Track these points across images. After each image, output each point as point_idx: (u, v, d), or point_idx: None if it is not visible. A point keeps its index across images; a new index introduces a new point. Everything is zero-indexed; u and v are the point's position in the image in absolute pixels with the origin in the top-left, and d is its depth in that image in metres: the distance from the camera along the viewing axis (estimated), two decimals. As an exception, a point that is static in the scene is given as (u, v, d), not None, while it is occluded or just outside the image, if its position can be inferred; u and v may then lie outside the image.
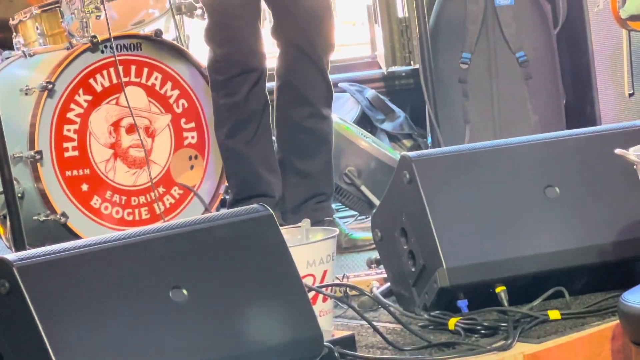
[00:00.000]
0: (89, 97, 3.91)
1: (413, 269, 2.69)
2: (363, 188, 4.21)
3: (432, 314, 2.48)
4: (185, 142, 4.06)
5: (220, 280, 2.14)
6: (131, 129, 3.90)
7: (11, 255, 1.87)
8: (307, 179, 4.00)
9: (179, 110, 4.05)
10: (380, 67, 5.86)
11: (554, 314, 2.53)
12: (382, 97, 5.41)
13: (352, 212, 4.46)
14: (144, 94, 3.95)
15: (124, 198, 3.97)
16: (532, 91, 4.99)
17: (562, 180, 2.73)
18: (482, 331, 2.37)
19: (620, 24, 4.39)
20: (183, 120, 4.05)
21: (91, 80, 3.92)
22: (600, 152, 2.66)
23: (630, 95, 4.58)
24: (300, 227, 2.78)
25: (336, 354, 2.27)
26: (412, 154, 2.78)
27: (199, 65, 4.11)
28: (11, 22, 4.51)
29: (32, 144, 3.81)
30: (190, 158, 4.06)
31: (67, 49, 3.99)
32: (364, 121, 5.17)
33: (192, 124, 4.08)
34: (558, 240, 2.65)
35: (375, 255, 3.18)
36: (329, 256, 2.59)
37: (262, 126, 3.93)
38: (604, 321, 2.50)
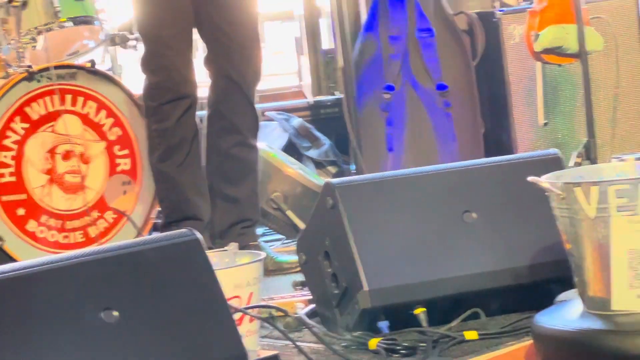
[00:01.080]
0: (26, 125, 3.99)
1: (336, 291, 2.76)
2: (289, 213, 4.28)
3: (354, 334, 2.55)
4: (119, 168, 4.10)
5: (149, 302, 2.16)
6: (67, 155, 3.98)
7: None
8: (234, 205, 4.08)
9: (113, 138, 4.12)
10: (306, 97, 6.05)
11: (471, 335, 2.61)
12: (308, 125, 5.48)
13: (279, 236, 4.48)
14: (80, 121, 4.04)
15: (59, 222, 4.01)
16: (452, 120, 5.16)
17: (479, 206, 2.83)
18: (402, 351, 2.45)
19: (534, 56, 4.61)
20: (117, 147, 4.11)
21: (27, 109, 4.00)
22: (516, 179, 2.74)
23: (545, 124, 4.84)
24: (227, 250, 2.85)
25: None
26: (334, 180, 2.98)
27: (132, 94, 4.18)
28: None
29: None
30: (123, 183, 4.12)
31: (4, 77, 4.10)
32: (291, 149, 5.22)
33: (126, 151, 4.15)
34: (475, 264, 2.77)
35: (300, 277, 3.27)
36: (255, 279, 2.67)
37: (192, 152, 4.01)
38: (519, 341, 2.60)
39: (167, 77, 3.92)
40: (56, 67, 4.08)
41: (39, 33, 4.27)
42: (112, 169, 4.13)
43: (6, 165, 3.98)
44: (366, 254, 2.69)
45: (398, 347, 2.52)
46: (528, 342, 2.54)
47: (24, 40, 4.26)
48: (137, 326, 2.11)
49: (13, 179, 3.97)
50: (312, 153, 5.27)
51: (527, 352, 2.62)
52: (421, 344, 2.52)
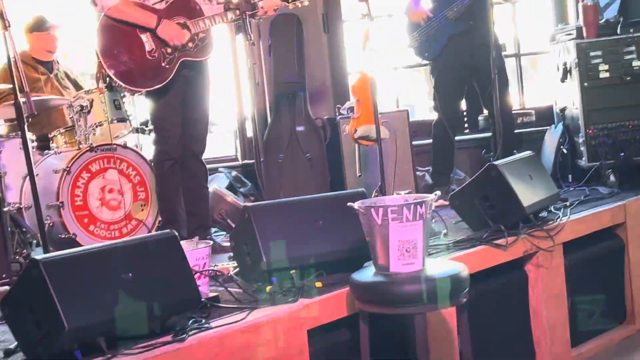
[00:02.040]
0: (89, 175, 5.23)
1: (249, 262, 3.88)
2: (229, 221, 5.39)
3: (258, 284, 3.68)
4: (139, 197, 5.40)
5: (149, 268, 3.22)
6: (111, 190, 5.28)
7: (40, 256, 2.90)
8: (197, 217, 5.19)
9: (136, 181, 5.39)
10: (239, 160, 7.13)
11: (319, 284, 3.64)
12: (240, 175, 6.62)
13: (222, 233, 5.60)
14: (117, 173, 5.27)
15: (106, 226, 5.28)
16: (313, 177, 6.48)
17: (326, 217, 3.93)
18: (282, 292, 3.51)
19: (354, 141, 5.71)
20: (138, 186, 5.39)
21: (90, 166, 5.24)
22: (344, 203, 3.54)
23: (359, 176, 6.02)
24: (192, 241, 3.97)
25: (207, 304, 3.45)
26: (249, 204, 4.11)
27: (147, 159, 5.44)
28: (50, 135, 5.84)
29: (57, 198, 5.07)
30: (141, 205, 5.42)
31: (77, 150, 5.30)
32: (231, 187, 6.33)
33: (143, 188, 5.43)
34: (323, 248, 3.84)
35: (231, 254, 4.40)
36: (207, 255, 3.69)
37: (178, 188, 5.11)
38: (343, 288, 3.61)
39: (166, 149, 4.97)
40: (106, 145, 5.31)
41: (97, 126, 5.47)
42: (135, 198, 5.38)
43: (77, 196, 5.17)
44: (266, 244, 3.71)
45: (281, 290, 3.58)
46: (347, 288, 3.57)
47: (89, 130, 5.44)
48: (142, 281, 3.12)
49: (82, 203, 5.17)
50: (242, 190, 6.34)
51: (347, 294, 3.60)
52: (293, 289, 3.56)
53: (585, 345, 4.79)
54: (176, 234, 3.41)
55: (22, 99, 3.89)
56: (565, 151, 5.99)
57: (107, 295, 2.96)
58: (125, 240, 3.57)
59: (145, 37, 4.71)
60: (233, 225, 4.73)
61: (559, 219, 4.77)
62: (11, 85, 4.02)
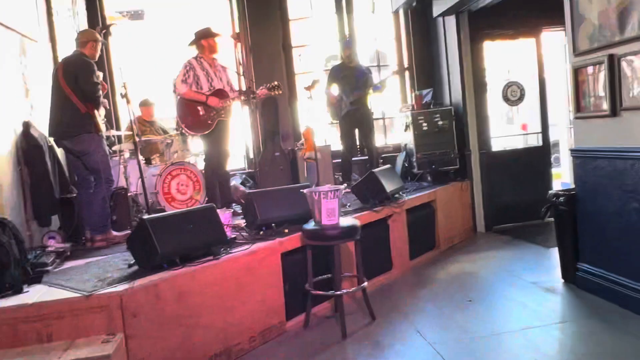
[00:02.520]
0: (171, 177, 4.87)
1: (252, 220, 3.63)
2: (242, 200, 4.68)
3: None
4: (195, 188, 4.94)
5: (202, 223, 3.07)
6: (181, 184, 4.92)
7: (146, 217, 2.93)
8: (224, 198, 4.76)
9: (194, 180, 4.95)
10: (246, 169, 6.36)
11: (286, 231, 3.51)
12: (247, 177, 5.98)
13: (239, 206, 4.85)
14: (185, 176, 4.91)
15: (179, 203, 4.87)
16: (284, 178, 5.75)
17: (291, 197, 3.68)
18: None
19: (304, 160, 5.58)
20: (195, 182, 4.95)
21: (171, 173, 4.86)
22: (298, 191, 3.47)
23: (306, 177, 5.57)
24: (222, 209, 3.97)
25: (231, 241, 3.28)
26: (252, 191, 3.95)
27: (200, 170, 4.95)
28: (151, 157, 5.49)
29: (155, 188, 4.78)
30: (197, 192, 4.94)
31: (165, 164, 4.99)
32: (242, 183, 5.68)
33: (198, 183, 4.96)
34: (289, 212, 3.66)
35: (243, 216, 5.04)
36: (230, 216, 3.90)
37: (215, 184, 4.72)
38: (298, 232, 3.43)
39: (211, 165, 4.69)
40: (179, 162, 4.97)
41: (174, 153, 5.22)
42: (194, 188, 4.97)
43: (165, 187, 4.83)
44: (260, 210, 3.59)
45: (268, 234, 3.46)
46: (300, 232, 3.44)
47: (172, 154, 5.18)
48: (197, 229, 3.03)
49: (167, 190, 4.84)
50: (248, 184, 5.70)
51: (300, 235, 3.47)
52: (272, 233, 3.44)
53: (416, 259, 4.85)
54: (214, 205, 3.36)
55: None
56: (406, 165, 6.03)
57: (180, 236, 2.98)
58: (189, 208, 3.53)
59: (199, 107, 4.58)
60: (243, 202, 4.29)
61: (404, 198, 4.78)
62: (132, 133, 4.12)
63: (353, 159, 5.75)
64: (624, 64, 3.13)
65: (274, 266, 3.30)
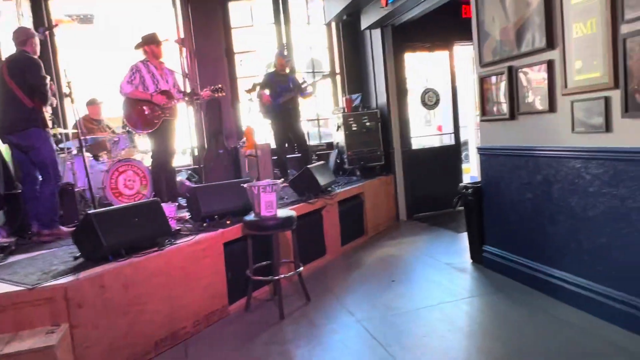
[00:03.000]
0: (117, 172, 4.59)
1: (196, 212, 3.48)
2: (187, 194, 4.92)
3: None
4: (142, 183, 4.68)
5: (146, 215, 2.90)
6: (129, 179, 4.64)
7: (91, 211, 2.70)
8: (171, 192, 4.60)
9: (141, 175, 4.67)
10: (192, 165, 6.11)
11: (229, 222, 3.43)
12: (192, 172, 5.76)
13: (184, 200, 4.58)
14: (132, 172, 4.65)
15: (127, 197, 4.61)
16: (227, 173, 5.60)
17: (234, 190, 3.55)
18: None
19: (245, 156, 5.40)
20: (142, 178, 4.68)
21: (119, 169, 4.59)
22: (239, 185, 3.42)
23: (247, 172, 5.38)
24: (169, 203, 4.05)
25: (175, 233, 3.15)
26: (199, 185, 3.76)
27: (146, 166, 4.73)
28: (98, 154, 5.08)
29: (102, 183, 4.50)
30: (144, 186, 4.69)
31: (112, 160, 4.73)
32: (188, 178, 5.50)
33: (144, 179, 4.70)
34: (231, 204, 3.76)
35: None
36: (175, 209, 3.58)
37: (162, 179, 4.54)
38: (240, 223, 3.31)
39: (159, 161, 4.45)
40: (126, 159, 4.72)
41: (122, 150, 4.90)
42: (141, 183, 4.71)
43: (112, 182, 4.54)
44: (203, 203, 3.43)
45: (210, 225, 3.35)
46: (241, 224, 3.30)
47: (118, 151, 4.87)
48: (142, 222, 2.88)
49: (115, 186, 4.58)
50: (193, 179, 5.47)
51: (242, 226, 3.29)
52: (215, 224, 3.33)
53: (347, 245, 4.85)
54: (159, 199, 3.19)
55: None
56: (338, 161, 5.99)
57: (125, 229, 2.84)
58: (134, 203, 3.26)
59: (145, 106, 4.40)
60: (188, 196, 3.95)
61: (336, 191, 4.78)
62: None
63: (289, 155, 5.68)
64: (520, 75, 3.27)
65: (217, 255, 3.22)
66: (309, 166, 4.51)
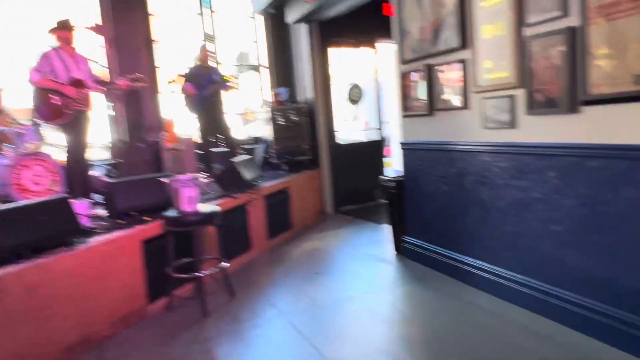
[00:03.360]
0: (24, 167, 4.11)
1: (112, 210, 3.39)
2: (103, 189, 4.99)
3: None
4: (52, 178, 4.20)
5: (54, 213, 2.73)
6: (37, 175, 4.17)
7: None
8: (84, 188, 4.30)
9: (51, 170, 4.20)
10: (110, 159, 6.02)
11: (147, 218, 3.49)
12: (110, 167, 5.37)
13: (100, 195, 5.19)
14: (44, 167, 4.19)
15: (34, 194, 4.09)
16: (147, 167, 5.30)
17: (152, 185, 3.41)
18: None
19: (167, 150, 5.10)
20: (52, 173, 4.19)
21: (24, 163, 4.10)
22: (159, 180, 3.27)
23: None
24: (82, 199, 3.76)
25: (88, 230, 2.97)
26: (115, 180, 3.69)
27: (57, 160, 4.28)
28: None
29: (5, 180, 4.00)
30: (54, 182, 4.19)
31: (17, 154, 4.18)
32: (105, 174, 5.12)
33: (55, 174, 4.19)
34: (150, 200, 3.49)
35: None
36: (88, 206, 3.50)
37: (76, 175, 4.28)
38: (160, 220, 3.19)
39: (73, 155, 4.21)
40: (34, 152, 4.18)
41: (28, 142, 4.34)
42: (52, 179, 4.23)
43: (17, 178, 4.06)
44: (119, 200, 3.38)
45: (127, 223, 3.27)
46: (161, 220, 3.18)
47: (24, 144, 4.31)
48: (51, 219, 2.68)
49: (19, 182, 4.11)
50: (111, 174, 5.15)
51: (162, 223, 3.16)
52: (132, 222, 3.31)
53: (274, 240, 4.85)
54: (66, 196, 3.03)
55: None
56: (266, 155, 5.97)
57: (28, 228, 2.65)
58: (38, 200, 3.00)
59: (56, 97, 4.11)
60: (105, 192, 3.82)
61: (261, 185, 4.73)
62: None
63: (214, 150, 5.56)
64: (438, 73, 3.40)
65: (135, 253, 3.08)
66: (233, 160, 4.43)
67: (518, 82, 2.72)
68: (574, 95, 2.42)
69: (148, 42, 5.88)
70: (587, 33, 2.30)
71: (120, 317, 2.94)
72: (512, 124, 2.80)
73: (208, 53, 5.35)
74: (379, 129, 6.41)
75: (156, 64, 5.89)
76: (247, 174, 4.46)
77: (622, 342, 2.24)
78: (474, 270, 3.17)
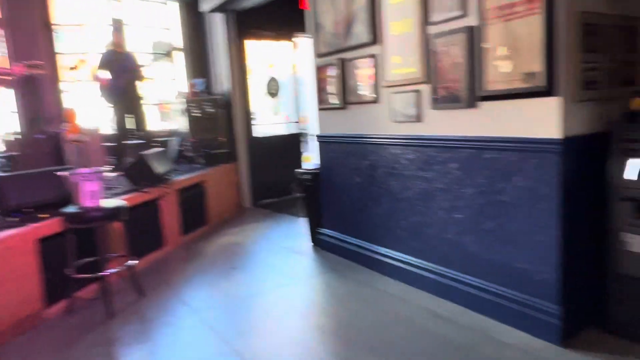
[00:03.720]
0: None
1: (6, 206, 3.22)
2: None
3: None
4: None
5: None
6: None
7: None
8: None
9: None
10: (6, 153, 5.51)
11: (45, 215, 3.09)
12: (5, 160, 4.83)
13: None
14: None
15: None
16: (46, 160, 4.77)
17: (52, 180, 3.18)
18: None
19: (70, 142, 4.62)
20: None
21: None
22: (57, 174, 3.12)
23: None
24: None
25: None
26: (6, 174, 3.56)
27: None
28: None
29: None
30: None
31: None
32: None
33: None
34: (49, 195, 3.62)
35: None
36: None
37: None
38: (59, 217, 2.98)
39: None
40: None
41: None
42: None
43: None
44: (10, 195, 3.18)
45: (19, 220, 3.18)
46: (61, 216, 2.94)
47: None
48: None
49: None
50: (6, 168, 4.66)
51: (60, 219, 2.97)
52: (26, 219, 3.02)
53: (189, 235, 4.75)
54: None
55: None
56: (181, 148, 5.78)
57: None
58: None
59: None
60: None
61: (175, 179, 4.60)
62: None
63: (126, 142, 5.28)
64: (351, 67, 3.44)
65: (28, 253, 2.83)
66: (143, 153, 4.22)
67: (424, 77, 2.84)
68: (473, 91, 2.54)
69: (46, 26, 5.39)
70: (485, 33, 2.43)
71: (11, 324, 2.70)
72: (418, 118, 2.91)
73: (120, 37, 5.08)
74: (297, 122, 6.39)
75: (56, 49, 5.42)
76: (159, 168, 4.29)
77: (516, 321, 2.42)
78: (385, 259, 3.27)
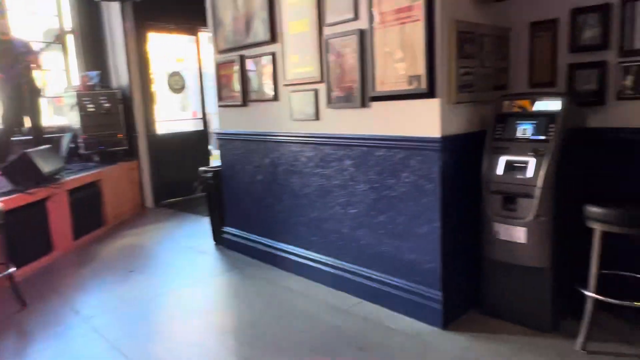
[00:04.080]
0: None
1: None
2: None
3: None
4: None
5: None
6: None
7: None
8: None
9: None
10: None
11: None
12: None
13: None
14: None
15: None
16: None
17: None
18: None
19: None
20: None
21: None
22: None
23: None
24: None
25: None
26: None
27: None
28: None
29: None
30: None
31: None
32: None
33: None
34: None
35: None
36: None
37: None
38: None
39: None
40: None
41: None
42: None
43: None
44: None
45: None
46: None
47: None
48: None
49: None
50: None
51: None
52: None
53: (82, 238, 4.49)
54: None
55: None
56: (73, 145, 5.37)
57: None
58: None
59: None
60: None
61: (64, 178, 4.30)
62: None
63: (14, 138, 4.83)
64: (250, 64, 3.43)
65: None
66: (27, 151, 3.89)
67: (320, 77, 2.90)
68: (365, 92, 2.65)
69: None
70: (374, 36, 2.54)
71: None
72: (316, 116, 2.97)
73: (5, 24, 4.62)
74: (203, 118, 6.24)
75: None
76: (45, 166, 3.97)
77: (406, 308, 2.56)
78: (287, 256, 3.30)
